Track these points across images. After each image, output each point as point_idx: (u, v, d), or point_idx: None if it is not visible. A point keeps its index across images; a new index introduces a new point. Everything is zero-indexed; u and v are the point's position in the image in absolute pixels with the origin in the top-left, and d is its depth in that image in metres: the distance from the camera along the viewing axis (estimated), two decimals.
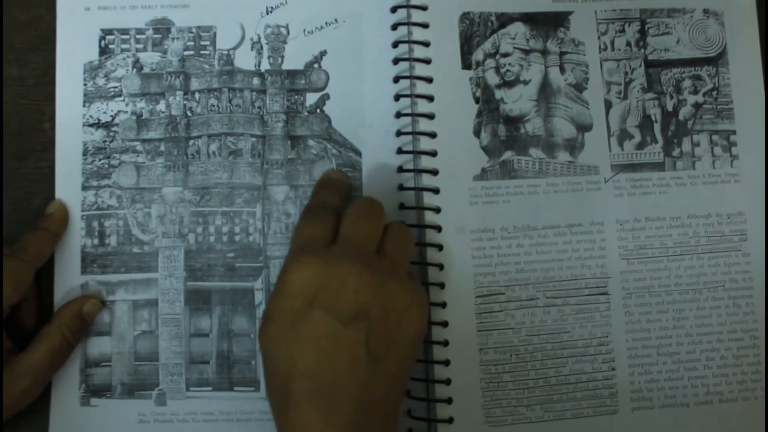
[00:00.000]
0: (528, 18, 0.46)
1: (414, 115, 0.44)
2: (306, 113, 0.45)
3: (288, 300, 0.34)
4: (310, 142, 0.45)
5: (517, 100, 0.45)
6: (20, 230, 0.42)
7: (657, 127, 0.46)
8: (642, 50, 0.46)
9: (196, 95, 0.45)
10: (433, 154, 0.43)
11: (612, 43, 0.46)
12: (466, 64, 0.45)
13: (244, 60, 0.45)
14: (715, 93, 0.46)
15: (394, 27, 0.45)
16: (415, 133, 0.44)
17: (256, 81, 0.45)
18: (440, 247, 0.43)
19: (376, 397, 0.33)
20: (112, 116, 0.44)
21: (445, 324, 0.42)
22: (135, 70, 0.45)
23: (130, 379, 0.42)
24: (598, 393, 0.43)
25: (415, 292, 0.36)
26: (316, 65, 0.45)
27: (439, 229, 0.43)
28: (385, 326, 0.34)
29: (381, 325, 0.34)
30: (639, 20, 0.46)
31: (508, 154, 0.44)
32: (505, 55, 0.45)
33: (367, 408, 0.33)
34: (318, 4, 0.45)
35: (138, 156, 0.44)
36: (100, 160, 0.44)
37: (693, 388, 0.44)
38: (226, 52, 0.45)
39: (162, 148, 0.44)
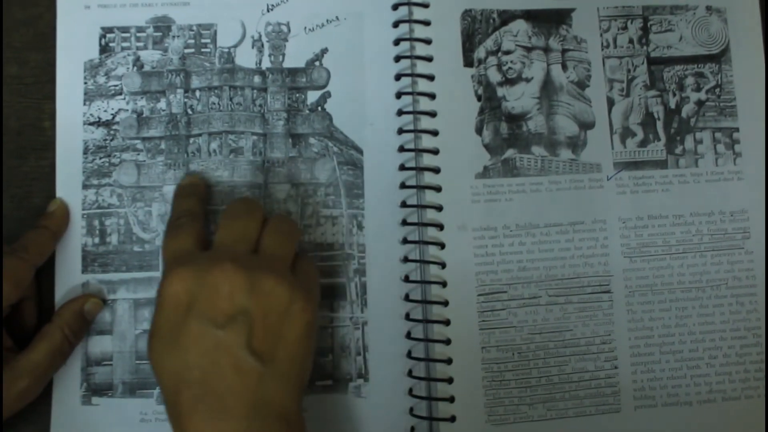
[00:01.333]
0: (530, 15, 0.45)
1: (416, 113, 0.44)
2: (307, 111, 0.45)
3: (165, 314, 0.34)
4: (312, 141, 0.44)
5: (519, 98, 0.45)
6: (21, 229, 0.42)
7: (660, 125, 0.45)
8: (644, 47, 0.46)
9: (197, 93, 0.45)
10: (435, 152, 0.43)
11: (614, 40, 0.46)
12: (468, 62, 0.45)
13: (245, 58, 0.45)
14: (718, 90, 0.46)
15: (396, 24, 0.45)
16: (417, 131, 0.44)
17: (257, 79, 0.45)
18: (442, 246, 0.43)
19: (269, 399, 0.33)
20: (112, 114, 0.44)
21: (447, 322, 0.42)
22: (135, 68, 0.45)
23: (131, 377, 0.42)
24: (601, 391, 0.43)
25: (295, 287, 0.35)
26: (317, 63, 0.45)
27: (441, 227, 0.43)
28: (266, 324, 0.33)
29: (262, 323, 0.33)
30: (641, 17, 0.46)
31: (510, 152, 0.44)
32: (507, 52, 0.45)
33: (260, 411, 0.32)
34: (319, 1, 0.45)
35: (139, 154, 0.44)
36: (100, 158, 0.44)
37: (696, 386, 0.43)
38: (226, 50, 0.45)
39: (163, 146, 0.44)
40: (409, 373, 0.42)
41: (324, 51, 0.45)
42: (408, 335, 0.42)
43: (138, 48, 0.45)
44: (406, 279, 0.43)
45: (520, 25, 0.45)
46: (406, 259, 0.43)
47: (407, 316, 0.42)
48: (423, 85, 0.44)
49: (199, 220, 0.39)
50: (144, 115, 0.44)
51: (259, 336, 0.33)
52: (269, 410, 0.33)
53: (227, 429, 0.32)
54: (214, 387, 0.32)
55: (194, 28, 0.45)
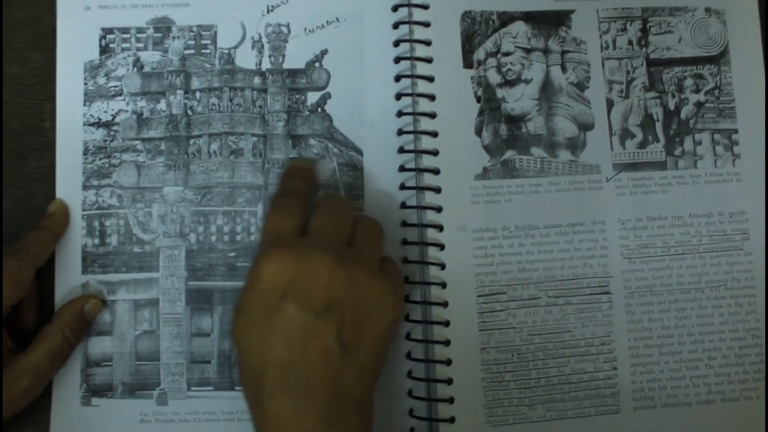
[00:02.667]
0: (529, 17, 0.46)
1: (415, 114, 0.44)
2: (307, 112, 0.45)
3: (260, 293, 0.35)
4: (312, 142, 0.44)
5: (518, 99, 0.45)
6: (21, 230, 0.42)
7: (659, 126, 0.46)
8: (644, 49, 0.46)
9: (197, 94, 0.45)
10: (435, 153, 0.43)
11: (614, 41, 0.46)
12: (468, 63, 0.45)
13: (245, 59, 0.45)
14: (716, 92, 0.46)
15: (396, 26, 0.45)
16: (417, 132, 0.44)
17: (257, 80, 0.45)
18: (442, 247, 0.43)
19: (348, 387, 0.34)
20: (112, 115, 0.44)
21: (446, 323, 0.42)
22: (135, 69, 0.45)
23: (131, 378, 0.42)
24: (600, 392, 0.43)
25: (387, 284, 0.36)
26: (317, 64, 0.45)
27: (440, 228, 0.43)
28: (356, 318, 0.35)
29: (352, 316, 0.35)
30: (641, 19, 0.46)
31: (509, 153, 0.44)
32: (507, 54, 0.45)
33: (339, 398, 0.34)
34: (319, 2, 0.45)
35: (139, 155, 0.44)
36: (100, 159, 0.44)
37: (695, 387, 0.44)
38: (226, 51, 0.45)
39: (163, 147, 0.44)
40: (409, 374, 0.42)
41: (324, 52, 0.45)
42: (408, 336, 0.42)
43: (138, 49, 0.45)
44: (406, 280, 0.43)
45: (519, 27, 0.45)
46: (405, 260, 0.43)
47: (407, 317, 0.42)
48: (423, 87, 0.44)
49: (305, 203, 0.40)
50: (144, 116, 0.44)
51: (349, 327, 0.35)
52: (346, 398, 0.34)
53: (308, 412, 0.33)
54: (300, 371, 0.33)
55: (194, 29, 0.45)
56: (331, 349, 0.34)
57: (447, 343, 0.42)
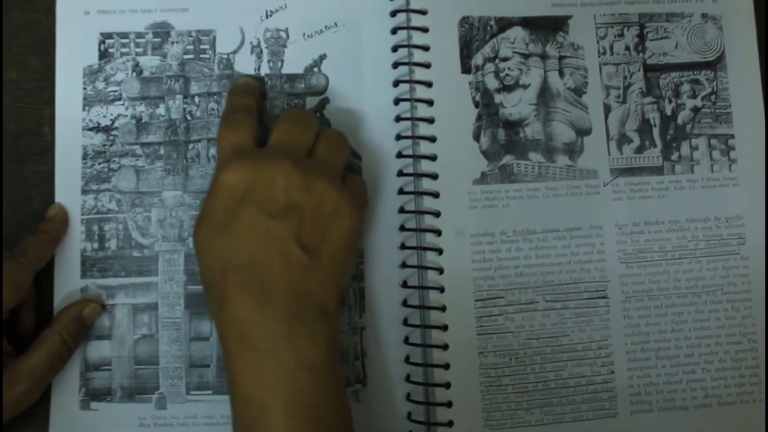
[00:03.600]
0: (527, 22, 0.46)
1: (414, 119, 0.44)
2: None
3: (220, 200, 0.36)
4: None
5: (516, 105, 0.45)
6: (20, 234, 0.42)
7: (656, 131, 0.46)
8: (641, 54, 0.46)
9: (196, 99, 0.45)
10: (433, 158, 0.44)
11: (611, 47, 0.46)
12: (466, 69, 0.45)
13: (244, 64, 0.45)
14: (713, 97, 0.46)
15: (394, 31, 0.45)
16: (415, 137, 0.44)
17: None
18: (440, 251, 0.43)
19: (310, 290, 0.35)
20: (111, 120, 0.44)
21: (444, 327, 0.42)
22: (135, 73, 0.45)
23: (130, 382, 0.42)
24: (597, 396, 0.43)
25: (344, 193, 0.37)
26: (315, 69, 0.45)
27: (438, 232, 0.43)
28: (315, 221, 0.36)
29: (311, 220, 0.36)
30: (638, 24, 0.46)
31: (507, 158, 0.45)
32: (505, 59, 0.45)
33: (301, 299, 0.35)
34: (318, 8, 0.45)
35: (138, 160, 0.44)
36: (99, 163, 0.44)
37: (692, 391, 0.44)
38: (225, 56, 0.45)
39: (162, 151, 0.44)
40: (407, 378, 0.42)
41: (322, 57, 0.45)
42: (406, 340, 0.42)
43: (137, 54, 0.45)
44: (404, 284, 0.43)
45: (517, 32, 0.46)
46: (404, 265, 0.43)
47: (405, 322, 0.43)
48: (421, 92, 0.44)
49: (255, 117, 0.40)
50: (143, 121, 0.44)
51: (308, 231, 0.36)
52: (309, 300, 0.35)
53: (269, 312, 0.34)
54: (261, 273, 0.34)
55: (193, 34, 0.45)
56: (291, 250, 0.35)
57: (445, 347, 0.42)
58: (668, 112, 0.46)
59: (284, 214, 0.35)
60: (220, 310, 0.35)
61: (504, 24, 0.46)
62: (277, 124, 0.39)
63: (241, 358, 0.34)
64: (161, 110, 0.44)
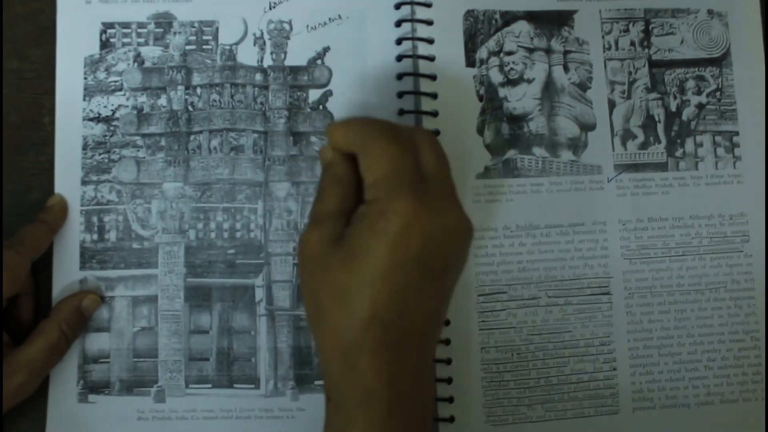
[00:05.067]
0: (532, 16, 0.46)
1: (417, 112, 0.44)
2: (308, 110, 0.44)
3: (387, 245, 0.31)
4: (313, 139, 0.44)
5: (520, 99, 0.45)
6: (19, 225, 0.42)
7: (660, 128, 0.46)
8: (646, 50, 0.46)
9: (198, 90, 0.44)
10: None
11: (616, 42, 0.46)
12: (470, 62, 0.45)
13: (247, 55, 0.45)
14: (718, 94, 0.46)
15: (398, 24, 0.45)
16: None
17: (258, 77, 0.44)
18: None
19: (432, 348, 0.35)
20: (112, 110, 0.44)
21: (446, 322, 0.42)
22: (136, 64, 0.44)
23: (128, 375, 0.42)
24: (599, 393, 0.43)
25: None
26: (319, 61, 0.45)
27: None
28: (453, 283, 0.34)
29: (454, 281, 0.34)
30: (643, 20, 0.46)
31: (511, 153, 0.44)
32: (509, 53, 0.45)
33: (430, 352, 0.34)
34: (322, 0, 0.45)
35: (138, 151, 0.44)
36: (100, 154, 0.44)
37: (694, 388, 0.43)
38: (228, 47, 0.45)
39: (163, 143, 0.44)
40: None
41: (326, 49, 0.45)
42: None
43: (139, 44, 0.45)
44: None
45: (522, 26, 0.45)
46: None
47: None
48: (425, 85, 0.44)
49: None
50: (144, 112, 0.44)
51: (448, 292, 0.34)
52: (429, 359, 0.34)
53: (405, 371, 0.32)
54: (404, 333, 0.32)
55: (196, 24, 0.45)
56: (433, 314, 0.33)
57: (447, 342, 0.42)
58: (673, 108, 0.46)
59: (442, 276, 0.32)
60: (347, 362, 0.31)
61: (509, 18, 0.45)
62: (423, 151, 0.34)
63: (368, 409, 0.31)
64: (162, 101, 0.44)
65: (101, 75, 0.44)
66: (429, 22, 0.44)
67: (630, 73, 0.46)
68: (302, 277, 0.34)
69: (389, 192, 0.32)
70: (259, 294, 0.43)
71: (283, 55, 0.45)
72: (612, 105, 0.45)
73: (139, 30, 0.45)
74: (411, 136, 0.34)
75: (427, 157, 0.34)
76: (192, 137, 0.44)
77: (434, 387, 0.36)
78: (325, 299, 0.32)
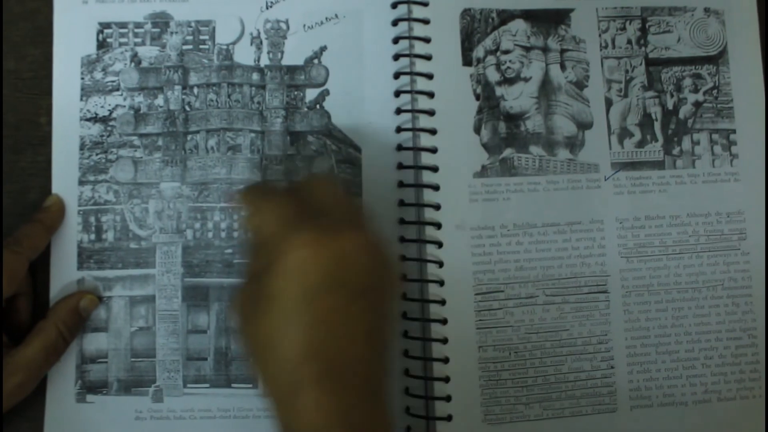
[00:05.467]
0: (529, 15, 0.46)
1: (414, 111, 0.44)
2: (305, 109, 0.44)
3: (295, 280, 0.32)
4: (310, 138, 0.44)
5: (517, 98, 0.45)
6: (16, 225, 0.42)
7: (657, 126, 0.46)
8: (643, 48, 0.46)
9: (195, 90, 0.44)
10: (433, 150, 0.43)
11: (613, 40, 0.46)
12: (467, 61, 0.45)
13: (244, 55, 0.45)
14: (715, 92, 0.46)
15: (395, 23, 0.45)
16: (415, 130, 0.43)
17: (255, 76, 0.44)
18: (440, 244, 0.43)
19: (377, 372, 0.33)
20: (109, 110, 0.44)
21: (444, 321, 0.42)
22: (133, 64, 0.44)
23: (126, 375, 0.42)
24: (597, 391, 0.43)
25: (394, 261, 0.35)
26: (315, 61, 0.45)
27: (438, 226, 0.43)
28: (380, 301, 0.33)
29: (378, 298, 0.33)
30: (640, 18, 0.46)
31: (508, 152, 0.44)
32: (506, 52, 0.45)
33: (370, 384, 0.32)
34: None
35: (136, 151, 0.44)
36: (97, 154, 0.44)
37: (691, 386, 0.44)
38: (225, 47, 0.45)
39: (160, 142, 0.44)
40: (406, 372, 0.42)
41: (323, 49, 0.45)
42: (405, 334, 0.42)
43: (136, 44, 0.45)
44: (404, 277, 0.43)
45: (519, 25, 0.45)
46: (403, 258, 0.43)
47: (404, 315, 0.42)
48: (422, 84, 0.44)
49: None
50: (141, 112, 0.44)
51: (374, 311, 0.33)
52: (376, 383, 0.33)
53: (348, 402, 0.31)
54: (339, 359, 0.31)
55: (192, 24, 0.45)
56: (362, 335, 0.32)
57: (444, 341, 0.42)
58: (670, 106, 0.46)
59: (362, 295, 0.32)
60: (291, 403, 0.31)
61: (506, 16, 0.45)
62: (314, 192, 0.35)
63: None
64: (160, 101, 0.44)
65: (98, 75, 0.44)
66: (426, 21, 0.44)
67: (627, 71, 0.46)
68: (239, 333, 0.34)
69: (281, 236, 0.33)
70: None
71: (279, 55, 0.45)
72: (609, 103, 0.45)
73: (136, 30, 0.45)
74: (302, 186, 0.36)
75: (322, 198, 0.35)
76: (189, 137, 0.44)
77: (392, 418, 0.34)
78: (257, 349, 0.32)
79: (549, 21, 0.46)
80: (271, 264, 0.32)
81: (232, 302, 0.35)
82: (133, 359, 0.42)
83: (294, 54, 0.45)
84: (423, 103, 0.44)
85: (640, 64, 0.46)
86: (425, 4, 0.44)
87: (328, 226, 0.33)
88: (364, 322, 0.32)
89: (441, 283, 0.42)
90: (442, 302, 0.42)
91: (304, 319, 0.31)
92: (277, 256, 0.32)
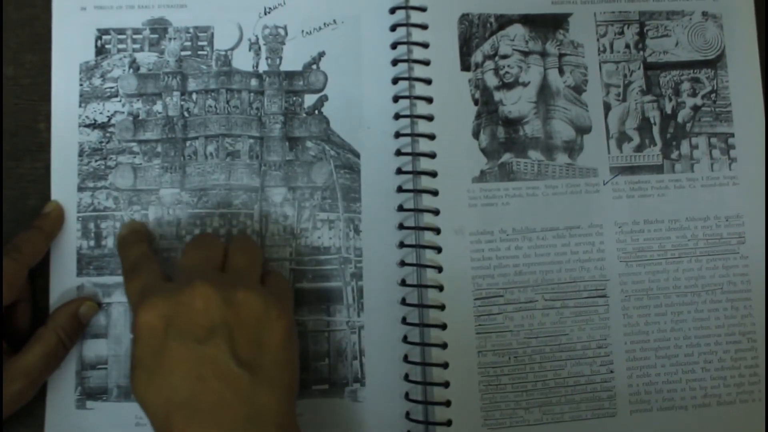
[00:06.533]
0: (527, 20, 0.46)
1: (413, 116, 0.44)
2: (304, 114, 0.45)
3: (143, 343, 0.33)
4: (309, 144, 0.44)
5: (516, 102, 0.45)
6: (15, 231, 0.42)
7: (656, 130, 0.46)
8: (641, 52, 0.46)
9: (194, 96, 0.44)
10: (432, 155, 0.43)
11: (611, 45, 0.46)
12: (465, 66, 0.45)
13: (242, 61, 0.45)
14: (713, 96, 0.46)
15: (393, 28, 0.45)
16: (414, 135, 0.43)
17: (254, 82, 0.44)
18: (439, 250, 0.43)
19: (262, 406, 0.33)
20: (108, 117, 0.44)
21: (443, 326, 0.42)
22: (132, 70, 0.44)
23: (126, 381, 0.42)
24: (597, 396, 0.43)
25: (267, 296, 0.35)
26: (314, 66, 0.45)
27: (437, 231, 0.43)
28: (246, 334, 0.34)
29: (242, 333, 0.34)
30: (638, 22, 0.46)
31: (507, 156, 0.44)
32: (504, 56, 0.45)
33: (255, 420, 0.32)
34: (316, 5, 0.45)
35: (135, 157, 0.44)
36: (96, 161, 0.44)
37: (691, 390, 0.44)
38: (223, 53, 0.45)
39: (159, 149, 0.44)
40: (406, 377, 0.42)
41: (321, 54, 0.45)
42: (404, 339, 0.42)
43: (134, 50, 0.45)
44: (403, 283, 0.43)
45: (517, 30, 0.45)
46: (402, 263, 0.43)
47: (404, 320, 0.42)
48: (420, 89, 0.44)
49: (154, 260, 0.39)
50: (140, 118, 0.44)
51: (242, 345, 0.33)
52: (264, 419, 0.32)
53: None
54: (205, 403, 0.32)
55: (191, 30, 0.45)
56: (230, 371, 0.33)
57: (444, 346, 0.42)
58: (668, 110, 0.46)
59: (211, 335, 0.33)
60: None
61: (504, 21, 0.45)
62: (183, 253, 0.38)
63: None
64: (158, 107, 0.44)
65: (97, 81, 0.44)
66: (424, 26, 0.44)
67: (625, 75, 0.46)
68: None
69: (133, 310, 0.36)
70: None
71: (278, 61, 0.45)
72: (607, 108, 0.46)
73: (135, 36, 0.45)
74: (152, 261, 0.39)
75: (185, 261, 0.38)
76: (188, 143, 0.44)
77: None
78: (141, 405, 0.34)
79: (547, 26, 0.46)
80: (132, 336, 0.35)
81: None
82: None
83: (292, 60, 0.45)
84: (421, 108, 0.44)
85: (639, 68, 0.46)
86: (423, 10, 0.44)
87: (173, 285, 0.35)
88: (223, 361, 0.33)
89: (440, 288, 0.42)
90: (442, 307, 0.42)
91: (159, 377, 0.33)
92: (132, 328, 0.35)
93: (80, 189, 0.43)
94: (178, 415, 0.32)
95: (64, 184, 0.43)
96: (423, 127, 0.44)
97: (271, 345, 0.34)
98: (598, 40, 0.46)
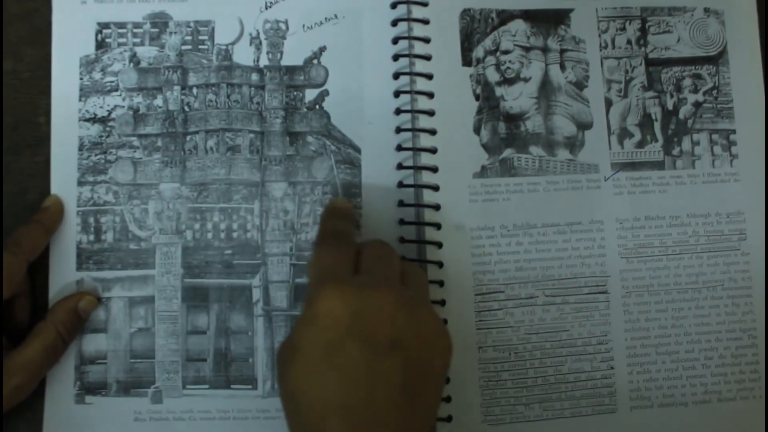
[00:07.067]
0: (529, 15, 0.45)
1: (414, 111, 0.43)
2: (305, 109, 0.44)
3: (320, 330, 0.31)
4: (309, 139, 0.44)
5: (517, 98, 0.45)
6: (15, 226, 0.41)
7: (657, 126, 0.46)
8: (642, 48, 0.46)
9: (194, 90, 0.44)
10: (433, 151, 0.43)
11: (613, 41, 0.46)
12: (467, 61, 0.45)
13: (243, 55, 0.44)
14: (715, 92, 0.46)
15: (394, 23, 0.44)
16: (415, 130, 0.43)
17: (254, 76, 0.44)
18: (439, 245, 0.43)
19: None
20: (108, 111, 0.44)
21: (444, 322, 0.42)
22: (132, 64, 0.44)
23: (125, 376, 0.42)
24: (597, 392, 0.43)
25: (442, 323, 0.34)
26: (315, 61, 0.45)
27: (438, 226, 0.43)
28: (419, 357, 0.32)
29: (416, 355, 0.32)
30: (640, 18, 0.46)
31: (508, 152, 0.44)
32: (506, 52, 0.45)
33: None
34: None
35: (135, 151, 0.44)
36: (96, 155, 0.43)
37: (691, 387, 0.44)
38: (224, 47, 0.45)
39: (159, 143, 0.44)
40: None
41: (322, 49, 0.45)
42: None
43: (134, 44, 0.44)
44: None
45: (518, 25, 0.45)
46: (403, 258, 0.43)
47: None
48: (421, 84, 0.44)
49: (353, 244, 0.37)
50: (140, 112, 0.44)
51: (412, 368, 0.32)
52: None
53: None
54: (365, 416, 0.30)
55: (192, 24, 0.45)
56: (398, 392, 0.31)
57: None
58: (670, 106, 0.46)
59: (392, 349, 0.31)
60: None
61: (505, 16, 0.45)
62: (364, 252, 0.36)
63: None
64: (159, 101, 0.44)
65: (97, 75, 0.44)
66: (425, 21, 0.44)
67: (627, 71, 0.46)
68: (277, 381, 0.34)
69: (315, 286, 0.33)
70: (256, 294, 0.43)
71: (279, 55, 0.45)
72: (609, 103, 0.45)
73: (135, 30, 0.44)
74: (364, 245, 0.36)
75: (366, 258, 0.35)
76: (188, 137, 0.44)
77: None
78: (284, 399, 0.32)
79: (549, 21, 0.46)
80: (302, 313, 0.32)
81: (277, 350, 0.34)
82: (132, 360, 0.42)
83: (293, 54, 0.45)
84: (422, 103, 0.44)
85: (640, 64, 0.46)
86: (425, 5, 0.44)
87: (360, 284, 0.33)
88: (395, 379, 0.31)
89: (441, 283, 0.42)
90: (442, 303, 0.42)
91: (327, 371, 0.31)
92: (307, 306, 0.32)
93: (80, 183, 0.43)
94: (335, 420, 0.30)
95: (63, 178, 0.43)
96: (424, 122, 0.44)
97: (437, 374, 0.33)
98: (599, 35, 0.46)
